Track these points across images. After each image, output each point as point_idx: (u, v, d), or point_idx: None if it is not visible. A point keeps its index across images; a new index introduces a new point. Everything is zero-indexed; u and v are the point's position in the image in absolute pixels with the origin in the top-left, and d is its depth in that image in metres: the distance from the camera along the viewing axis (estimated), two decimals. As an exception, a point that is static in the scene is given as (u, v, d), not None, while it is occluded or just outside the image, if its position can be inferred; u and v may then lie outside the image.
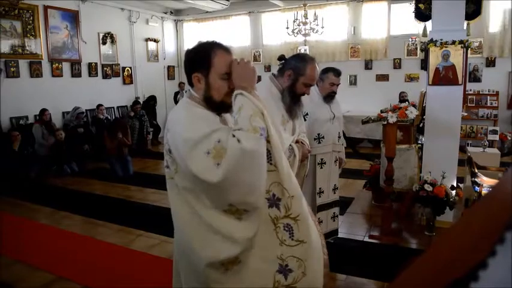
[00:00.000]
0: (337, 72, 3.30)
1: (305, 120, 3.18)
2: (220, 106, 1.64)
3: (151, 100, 10.07)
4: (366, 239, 3.89)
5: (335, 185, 3.47)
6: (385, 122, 3.74)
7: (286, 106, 2.37)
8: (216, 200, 1.50)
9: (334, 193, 3.48)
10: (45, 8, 7.84)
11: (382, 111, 4.06)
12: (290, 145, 2.30)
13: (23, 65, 7.52)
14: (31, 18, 7.57)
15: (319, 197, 3.34)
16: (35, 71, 7.72)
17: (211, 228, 1.52)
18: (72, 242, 4.16)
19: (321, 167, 3.31)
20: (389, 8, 8.96)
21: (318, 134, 3.22)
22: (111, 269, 3.50)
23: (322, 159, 3.32)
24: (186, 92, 1.74)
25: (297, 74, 2.36)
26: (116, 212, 5.04)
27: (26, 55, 7.55)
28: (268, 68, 10.50)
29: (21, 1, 4.17)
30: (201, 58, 1.61)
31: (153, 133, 9.84)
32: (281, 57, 2.49)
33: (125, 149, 6.89)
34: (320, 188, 3.33)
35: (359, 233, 4.04)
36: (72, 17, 8.46)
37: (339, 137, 3.42)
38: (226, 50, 1.63)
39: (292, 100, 2.37)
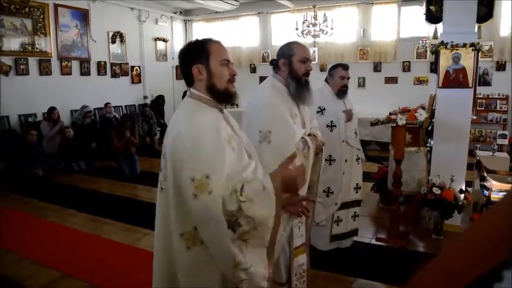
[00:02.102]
0: (345, 66, 3.39)
1: (322, 115, 3.24)
2: (224, 95, 1.65)
3: (160, 100, 10.10)
4: (373, 242, 3.86)
5: (357, 184, 3.49)
6: (394, 124, 3.72)
7: (293, 94, 2.34)
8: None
9: (356, 192, 3.49)
10: (56, 6, 7.90)
11: (391, 114, 4.03)
12: (303, 137, 2.28)
13: (33, 62, 7.58)
14: (41, 16, 7.63)
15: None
16: (44, 69, 7.78)
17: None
18: (79, 239, 4.18)
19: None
20: (399, 10, 8.91)
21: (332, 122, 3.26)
22: (117, 267, 3.51)
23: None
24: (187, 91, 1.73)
25: (289, 56, 2.36)
26: (122, 210, 5.06)
27: (36, 53, 7.61)
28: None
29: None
30: (198, 49, 1.64)
31: (161, 133, 9.86)
32: (272, 61, 2.50)
33: (132, 148, 6.91)
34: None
35: (366, 235, 4.01)
36: (82, 16, 8.52)
37: (356, 134, 3.45)
38: (218, 41, 1.69)
39: (298, 84, 2.35)
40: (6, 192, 5.85)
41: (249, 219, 1.46)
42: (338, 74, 3.34)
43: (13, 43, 7.20)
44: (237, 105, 11.41)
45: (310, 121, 2.55)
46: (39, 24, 7.60)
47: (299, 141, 2.25)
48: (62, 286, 3.23)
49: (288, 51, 2.37)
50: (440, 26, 4.32)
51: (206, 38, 1.69)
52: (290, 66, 2.36)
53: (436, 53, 4.08)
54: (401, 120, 3.61)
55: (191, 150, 1.47)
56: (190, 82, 1.68)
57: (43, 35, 7.71)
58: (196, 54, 1.63)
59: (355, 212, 3.55)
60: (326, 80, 3.48)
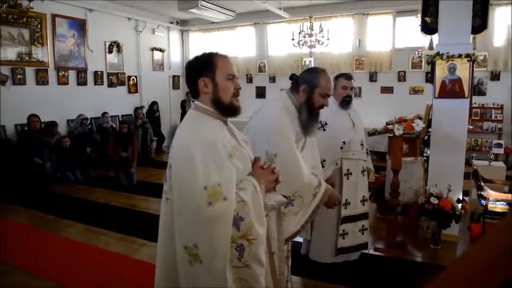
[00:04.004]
0: (347, 76, 3.35)
1: (324, 130, 3.16)
2: (228, 108, 1.69)
3: (154, 104, 10.14)
4: (371, 252, 3.85)
5: (364, 196, 3.46)
6: (391, 134, 3.73)
7: (302, 123, 2.32)
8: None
9: (363, 205, 3.46)
10: (53, 16, 7.92)
11: (388, 124, 4.06)
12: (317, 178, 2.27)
13: (30, 72, 7.57)
14: (39, 26, 7.65)
15: (345, 208, 3.33)
16: (41, 79, 7.77)
17: None
18: (75, 250, 4.14)
19: (347, 178, 3.31)
20: (394, 21, 9.02)
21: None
22: (114, 278, 3.48)
23: (348, 169, 3.32)
24: (191, 102, 1.77)
25: (312, 87, 2.32)
26: (119, 220, 5.02)
27: (33, 63, 7.60)
28: (273, 79, 10.53)
29: (30, 9, 4.21)
30: (205, 63, 1.67)
31: (157, 142, 9.85)
32: (292, 76, 2.45)
33: (133, 161, 6.90)
34: (346, 199, 3.32)
35: (364, 245, 4.00)
36: (80, 26, 8.54)
37: (362, 145, 3.43)
38: (225, 56, 1.72)
39: (310, 115, 2.32)
40: (1, 201, 5.80)
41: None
42: (340, 84, 3.29)
43: (10, 53, 7.20)
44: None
45: (312, 150, 2.55)
46: (36, 34, 7.61)
47: (314, 178, 2.26)
48: (58, 298, 3.20)
49: (313, 80, 2.33)
50: (435, 37, 4.37)
51: (213, 52, 1.71)
52: (309, 96, 2.33)
53: (431, 63, 4.12)
54: (399, 131, 3.63)
55: (199, 160, 1.49)
56: (195, 94, 1.71)
57: (40, 45, 7.71)
58: (203, 67, 1.66)
59: (363, 225, 3.50)
60: None
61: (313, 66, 9.73)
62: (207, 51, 1.75)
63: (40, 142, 6.56)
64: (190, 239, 1.50)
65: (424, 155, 4.61)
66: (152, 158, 8.88)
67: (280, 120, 2.25)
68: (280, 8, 9.36)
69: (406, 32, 8.85)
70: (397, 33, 9.05)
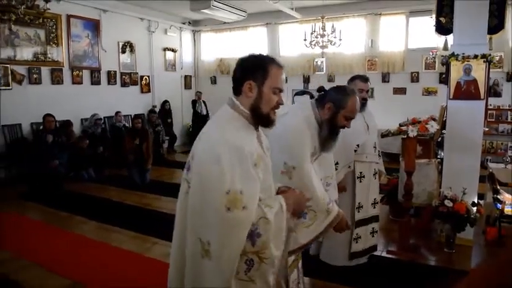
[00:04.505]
0: (364, 78, 3.30)
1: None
2: (264, 119, 1.65)
3: (166, 104, 10.25)
4: (384, 254, 3.82)
5: (375, 199, 3.44)
6: (405, 136, 3.70)
7: (321, 139, 2.30)
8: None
9: (374, 207, 3.45)
10: (68, 17, 8.03)
11: (401, 125, 4.02)
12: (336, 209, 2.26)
13: (45, 72, 7.69)
14: (54, 26, 7.76)
15: (358, 212, 3.31)
16: (56, 78, 7.88)
17: None
18: (88, 247, 4.19)
19: (360, 181, 3.29)
20: (408, 21, 8.94)
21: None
22: (126, 276, 3.51)
23: (361, 172, 3.30)
24: (229, 99, 1.69)
25: (338, 107, 2.29)
26: (132, 219, 5.06)
27: (48, 62, 7.72)
28: (285, 79, 10.49)
29: (47, 10, 4.28)
30: (259, 67, 1.61)
31: (169, 142, 9.91)
32: (320, 89, 2.45)
33: (149, 159, 6.94)
34: (359, 203, 3.31)
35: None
36: (94, 26, 8.64)
37: (375, 147, 3.41)
38: (281, 67, 1.66)
39: (330, 134, 2.30)
40: (17, 198, 5.92)
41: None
42: (357, 87, 3.21)
43: (26, 53, 7.32)
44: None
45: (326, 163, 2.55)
46: (52, 35, 7.73)
47: (327, 194, 2.26)
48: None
49: (341, 101, 2.30)
50: (450, 37, 4.31)
51: (270, 58, 1.66)
52: (333, 115, 2.30)
53: (446, 64, 4.08)
54: (413, 132, 3.59)
55: (225, 163, 1.46)
56: (237, 92, 1.65)
57: (55, 45, 7.82)
58: (255, 70, 1.61)
59: (373, 228, 3.49)
60: None
61: (324, 66, 9.72)
62: (264, 53, 1.69)
63: (54, 142, 6.62)
64: (204, 235, 1.49)
65: (438, 157, 4.56)
66: (164, 158, 8.93)
67: (303, 133, 2.24)
68: (292, 8, 9.34)
69: (419, 32, 8.77)
70: (410, 34, 8.97)
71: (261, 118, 1.64)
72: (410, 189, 3.78)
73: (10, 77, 7.06)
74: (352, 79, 3.32)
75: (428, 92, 8.88)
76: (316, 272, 3.34)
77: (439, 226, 3.95)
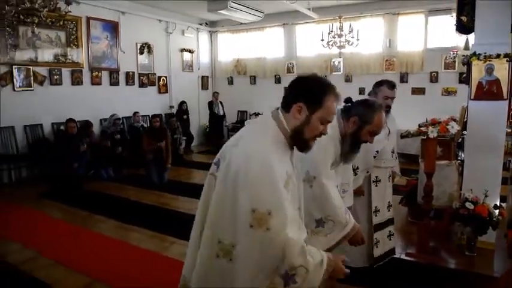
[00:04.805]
0: (391, 85, 3.21)
1: None
2: (303, 144, 1.61)
3: (183, 104, 10.36)
4: (403, 257, 3.77)
5: (389, 202, 3.40)
6: (425, 137, 3.65)
7: (343, 152, 2.27)
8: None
9: (389, 210, 3.41)
10: (88, 19, 8.18)
11: (420, 126, 3.96)
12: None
13: (66, 73, 7.85)
14: (74, 28, 7.91)
15: (376, 216, 3.29)
16: (76, 79, 8.04)
17: None
18: (107, 246, 4.26)
19: (376, 185, 3.26)
20: (427, 20, 8.81)
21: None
22: (145, 274, 3.55)
23: (376, 176, 3.26)
24: (275, 109, 1.63)
25: (364, 122, 2.24)
26: (150, 218, 5.12)
27: (68, 64, 7.87)
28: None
29: (68, 13, 4.36)
30: (316, 93, 1.55)
31: (186, 142, 9.98)
32: (348, 100, 2.34)
33: (168, 157, 7.00)
34: (376, 207, 3.27)
35: (396, 250, 3.92)
36: (112, 28, 8.78)
37: (393, 152, 3.37)
38: (337, 97, 1.60)
39: (352, 147, 2.27)
40: (38, 197, 6.06)
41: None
42: (383, 93, 3.14)
43: (47, 54, 7.49)
44: (262, 115, 11.49)
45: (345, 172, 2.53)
46: (72, 36, 7.88)
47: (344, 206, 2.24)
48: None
49: (367, 116, 2.25)
50: (471, 37, 4.23)
51: (330, 87, 1.58)
52: (358, 130, 2.26)
53: (467, 64, 4.00)
54: (433, 133, 3.53)
55: (257, 180, 1.43)
56: (286, 107, 1.59)
57: (75, 47, 7.98)
58: (311, 96, 1.55)
59: (389, 231, 3.46)
60: (369, 94, 3.31)
61: (341, 67, 9.65)
62: (323, 77, 1.61)
63: (75, 146, 6.72)
64: (229, 239, 1.48)
65: (459, 158, 4.48)
66: (182, 158, 9.00)
67: (327, 146, 2.20)
68: (309, 9, 9.31)
69: (438, 32, 8.63)
70: (429, 33, 8.83)
71: (300, 142, 1.60)
72: (430, 190, 3.72)
73: (32, 78, 7.23)
74: (379, 84, 3.22)
75: (447, 92, 8.74)
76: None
77: (460, 229, 3.87)
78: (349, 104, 2.34)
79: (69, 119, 6.94)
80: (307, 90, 1.56)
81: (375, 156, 3.18)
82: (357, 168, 3.02)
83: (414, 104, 8.81)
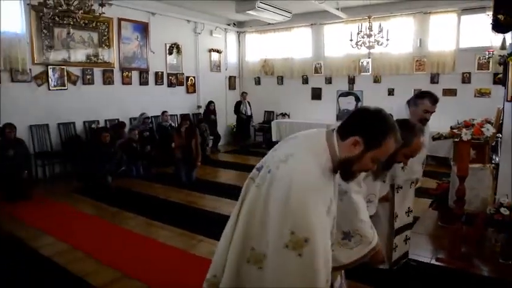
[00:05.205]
0: (434, 99, 3.07)
1: None
2: (347, 175, 1.59)
3: (211, 104, 10.43)
4: (433, 262, 3.69)
5: (409, 207, 3.34)
6: (457, 139, 3.55)
7: (375, 169, 2.25)
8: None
9: (408, 216, 3.34)
10: (119, 20, 8.38)
11: (452, 128, 3.86)
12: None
13: (97, 73, 8.07)
14: (106, 29, 8.12)
15: (395, 221, 3.24)
16: (107, 79, 8.25)
17: None
18: (136, 242, 4.34)
19: (397, 191, 3.21)
20: (459, 19, 8.56)
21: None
22: (174, 271, 3.60)
23: (399, 184, 3.21)
24: (331, 130, 1.59)
25: (403, 144, 2.21)
26: (177, 216, 5.19)
27: (100, 64, 8.09)
28: (329, 80, 10.42)
29: (102, 14, 4.49)
30: (377, 133, 1.49)
31: (213, 141, 10.08)
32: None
33: (198, 156, 7.09)
34: (395, 213, 3.23)
35: (424, 254, 3.85)
36: (143, 29, 8.96)
37: (423, 164, 3.31)
38: (398, 142, 1.55)
39: (385, 165, 2.23)
40: (71, 192, 6.26)
41: None
42: (424, 107, 3.04)
43: (80, 55, 7.71)
44: (288, 115, 11.33)
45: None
46: (104, 37, 8.09)
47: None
48: (121, 286, 3.37)
49: (406, 139, 2.14)
50: (508, 36, 4.10)
51: (394, 128, 1.52)
52: (393, 152, 2.23)
53: (504, 64, 3.88)
54: (466, 136, 3.44)
55: (302, 205, 1.41)
56: (343, 134, 1.53)
57: (107, 47, 8.19)
58: (372, 134, 1.49)
59: (406, 235, 3.40)
60: (408, 102, 3.20)
61: (370, 67, 9.52)
62: (390, 119, 1.54)
63: (107, 151, 6.85)
64: (262, 248, 1.51)
65: (493, 162, 4.34)
66: (208, 157, 9.09)
67: None
68: (338, 8, 9.23)
69: (472, 31, 8.37)
70: (462, 32, 8.58)
71: (345, 172, 1.57)
72: (462, 195, 3.62)
73: (66, 77, 7.46)
74: (422, 96, 3.09)
75: (480, 94, 8.47)
76: (361, 276, 3.27)
77: (494, 235, 3.76)
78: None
79: (102, 129, 7.12)
80: (369, 127, 1.50)
81: (403, 167, 3.12)
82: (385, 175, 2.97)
83: (445, 106, 8.45)
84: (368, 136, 1.48)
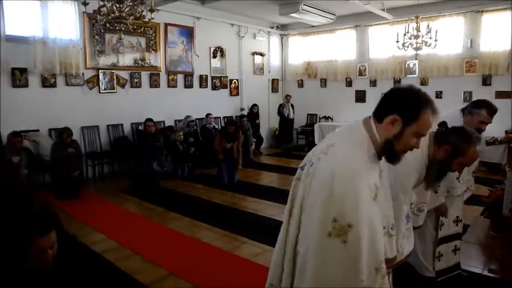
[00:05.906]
0: (492, 110, 2.91)
1: None
2: (393, 156, 1.57)
3: (255, 107, 10.51)
4: (485, 273, 3.52)
5: (457, 216, 3.21)
6: (513, 145, 3.39)
7: (430, 179, 2.17)
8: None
9: (456, 225, 3.22)
10: (166, 25, 8.64)
11: (508, 132, 3.68)
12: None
13: (145, 76, 8.36)
14: (153, 34, 8.41)
15: (440, 229, 3.14)
16: (154, 82, 8.53)
17: None
18: (181, 242, 4.44)
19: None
20: (515, 18, 8.12)
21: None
22: (219, 272, 3.64)
23: (448, 191, 3.10)
24: (368, 117, 1.60)
25: (456, 154, 2.11)
26: (220, 217, 5.26)
27: (147, 67, 8.38)
28: (373, 83, 10.21)
29: (151, 20, 4.66)
30: (412, 107, 1.49)
31: (256, 144, 10.15)
32: (442, 124, 2.22)
33: (239, 158, 7.20)
34: (441, 221, 3.12)
35: (475, 264, 3.68)
36: (188, 33, 9.19)
37: (473, 172, 3.19)
38: (435, 111, 1.53)
39: (438, 175, 2.16)
40: (119, 192, 6.51)
41: None
42: (480, 117, 2.89)
43: (128, 59, 8.03)
44: (331, 118, 11.21)
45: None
46: (151, 42, 8.38)
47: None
48: (169, 284, 3.45)
49: (462, 148, 2.11)
50: None
51: (429, 100, 1.51)
52: (448, 159, 2.14)
53: None
54: (523, 141, 3.27)
55: (343, 194, 1.42)
56: (379, 117, 1.54)
57: (154, 51, 8.47)
58: (407, 109, 1.49)
59: (455, 246, 3.26)
60: (463, 110, 3.05)
61: (417, 69, 9.23)
62: (421, 91, 1.53)
63: (153, 144, 7.11)
64: (303, 244, 1.54)
65: (552, 169, 4.08)
66: (251, 159, 9.16)
67: (410, 171, 2.13)
68: (383, 9, 9.03)
69: (528, 30, 7.93)
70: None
71: (390, 154, 1.57)
72: (518, 203, 3.44)
73: (115, 81, 7.80)
74: (479, 105, 2.95)
75: (538, 96, 7.98)
76: (408, 285, 3.18)
77: (553, 246, 3.54)
78: (443, 129, 2.21)
79: (148, 119, 7.37)
80: (403, 102, 1.51)
81: (458, 178, 3.00)
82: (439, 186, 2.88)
83: (498, 109, 8.17)
84: (404, 111, 1.48)
